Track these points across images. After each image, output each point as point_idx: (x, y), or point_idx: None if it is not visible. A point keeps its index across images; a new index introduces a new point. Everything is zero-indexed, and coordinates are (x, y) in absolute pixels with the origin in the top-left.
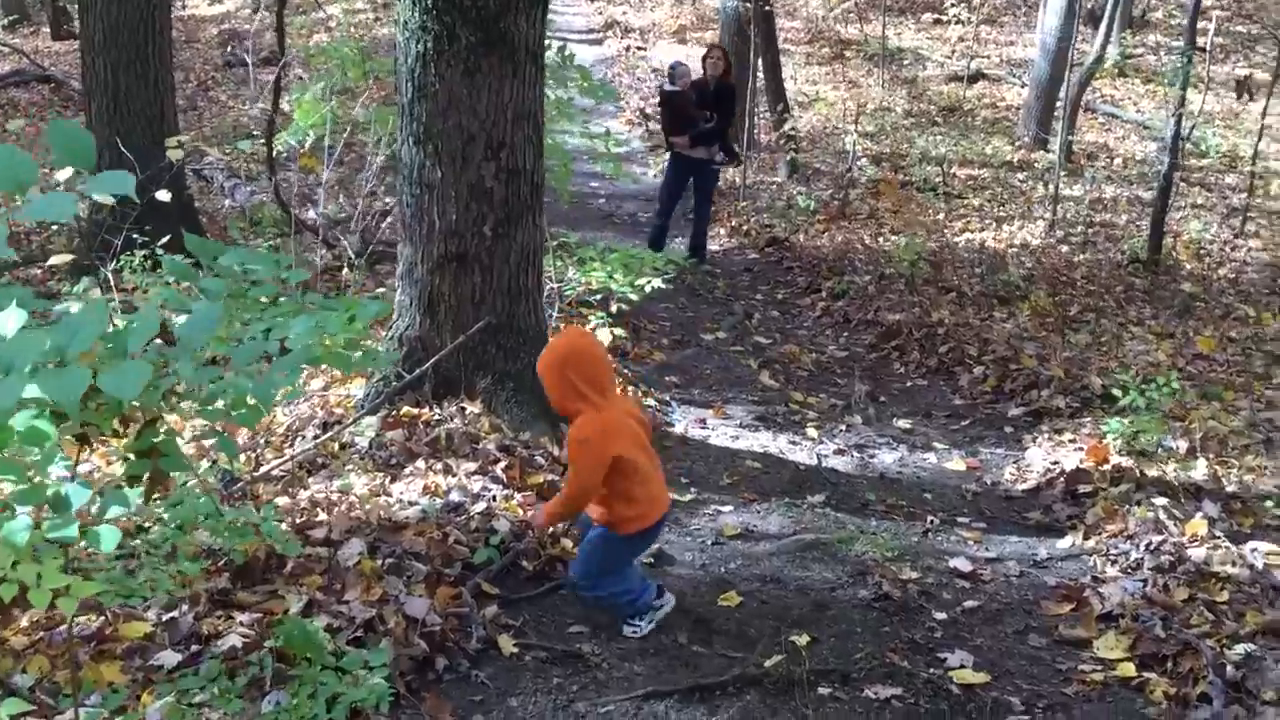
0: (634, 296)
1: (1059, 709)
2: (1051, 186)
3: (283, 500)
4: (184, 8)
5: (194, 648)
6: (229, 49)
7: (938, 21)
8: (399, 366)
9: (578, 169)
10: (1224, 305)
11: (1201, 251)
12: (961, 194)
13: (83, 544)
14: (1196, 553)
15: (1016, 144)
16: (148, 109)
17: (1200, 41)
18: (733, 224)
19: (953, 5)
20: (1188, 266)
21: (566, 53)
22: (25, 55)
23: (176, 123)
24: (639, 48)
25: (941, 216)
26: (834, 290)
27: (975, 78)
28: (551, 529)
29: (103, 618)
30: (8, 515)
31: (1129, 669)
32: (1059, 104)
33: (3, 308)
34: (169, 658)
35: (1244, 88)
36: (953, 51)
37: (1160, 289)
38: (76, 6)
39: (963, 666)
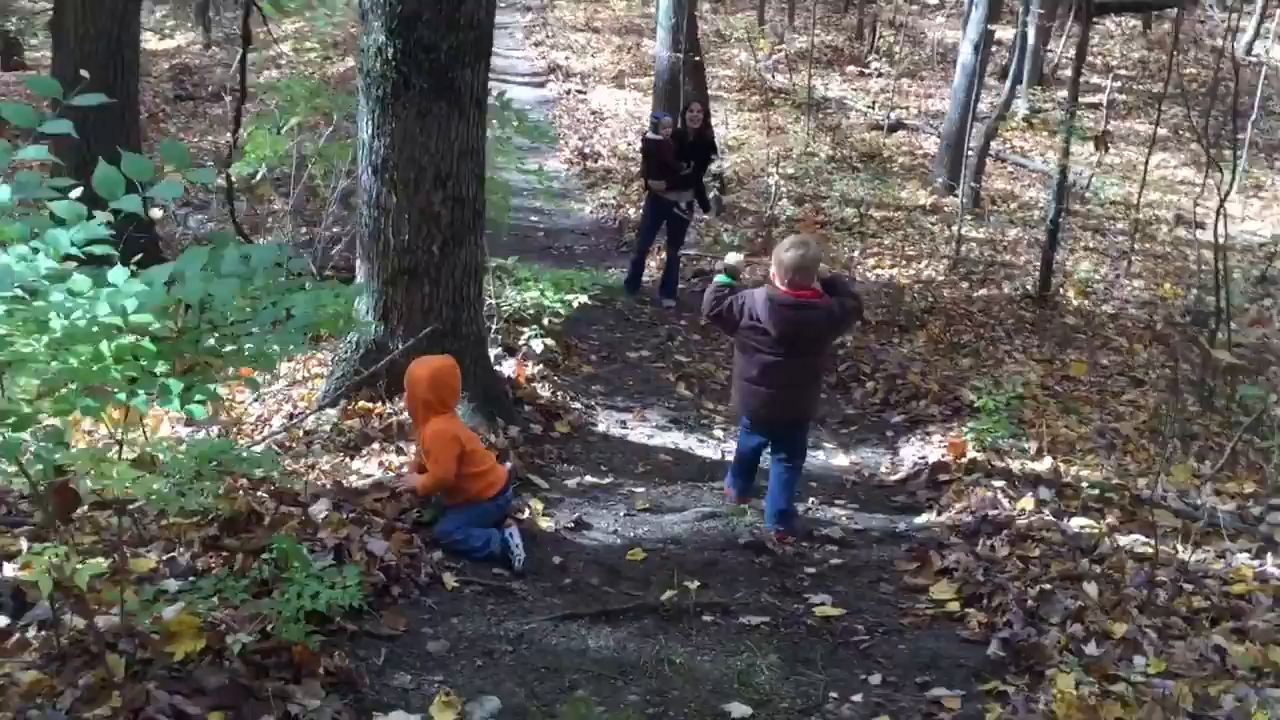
0: (562, 311)
1: (894, 633)
2: (958, 228)
3: (261, 472)
4: None
5: (191, 579)
6: (180, 83)
7: (862, 74)
8: (357, 366)
9: (520, 204)
10: (1103, 338)
11: (1088, 290)
12: (875, 234)
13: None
14: (1022, 522)
15: (930, 189)
16: (114, 141)
17: (1101, 99)
18: (662, 256)
19: (874, 60)
20: (1075, 303)
21: (506, 97)
22: None
23: (140, 154)
24: (579, 91)
25: (855, 254)
26: None
27: (896, 127)
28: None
29: (113, 559)
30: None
31: (954, 607)
32: (970, 152)
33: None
34: (172, 584)
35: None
36: (874, 102)
37: (1047, 322)
38: (50, 37)
39: (823, 604)
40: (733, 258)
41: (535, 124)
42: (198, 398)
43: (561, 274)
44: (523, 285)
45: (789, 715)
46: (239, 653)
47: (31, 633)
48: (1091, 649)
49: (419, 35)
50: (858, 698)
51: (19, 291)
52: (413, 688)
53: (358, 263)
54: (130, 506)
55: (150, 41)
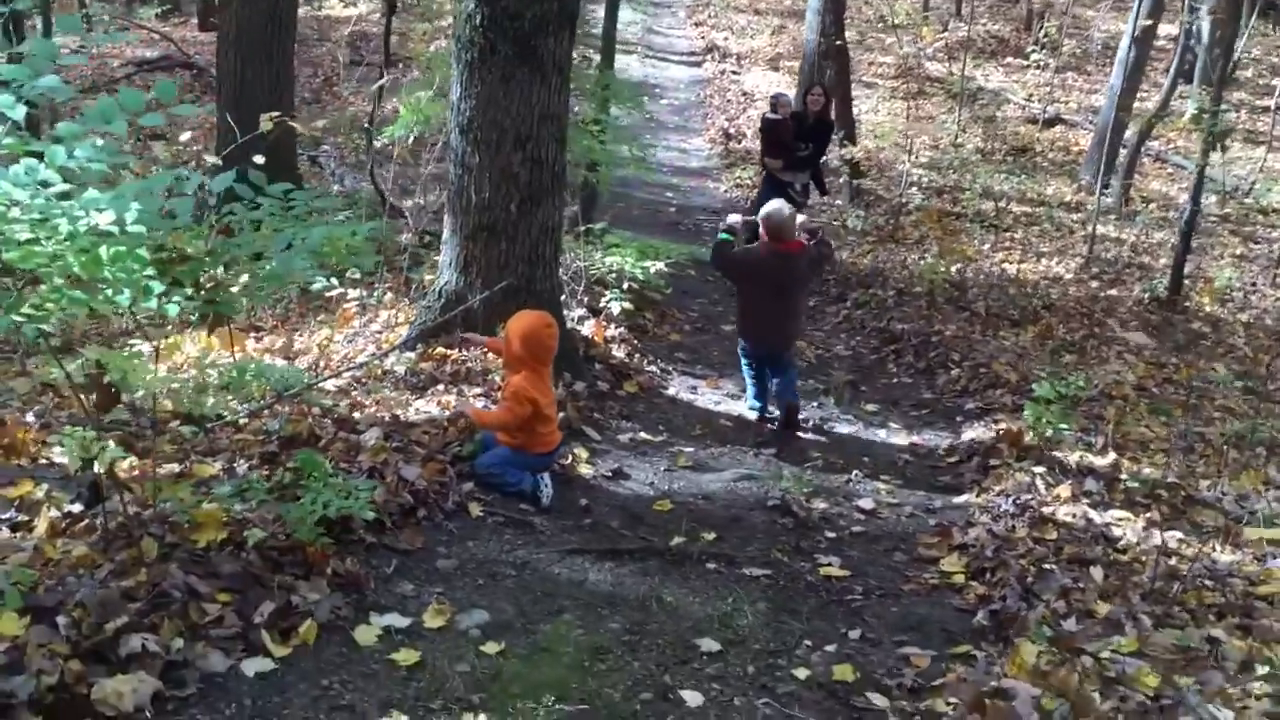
0: (641, 276)
1: (890, 597)
2: (1092, 226)
3: (328, 403)
4: (320, 8)
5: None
6: (356, 49)
7: (1023, 66)
8: (437, 314)
9: (656, 180)
10: (1228, 345)
11: (1225, 297)
12: (1010, 228)
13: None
14: (1050, 508)
15: (1076, 186)
16: (268, 97)
17: (1271, 102)
18: None
19: (1033, 51)
20: (1207, 308)
21: (606, 73)
22: (172, 42)
23: (292, 111)
24: (734, 72)
25: (986, 247)
26: (858, 300)
27: (1053, 121)
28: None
29: (184, 465)
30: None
31: (959, 579)
32: (1123, 150)
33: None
34: (227, 489)
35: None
36: (1030, 95)
37: (1170, 325)
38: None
39: (829, 565)
40: (732, 219)
41: (635, 98)
42: (175, 298)
43: (647, 243)
44: (609, 250)
45: (757, 655)
46: (254, 545)
47: (99, 520)
48: (1070, 624)
49: (505, 3)
50: (830, 648)
51: (22, 198)
52: (413, 596)
53: (445, 217)
54: (208, 423)
55: (335, 8)
